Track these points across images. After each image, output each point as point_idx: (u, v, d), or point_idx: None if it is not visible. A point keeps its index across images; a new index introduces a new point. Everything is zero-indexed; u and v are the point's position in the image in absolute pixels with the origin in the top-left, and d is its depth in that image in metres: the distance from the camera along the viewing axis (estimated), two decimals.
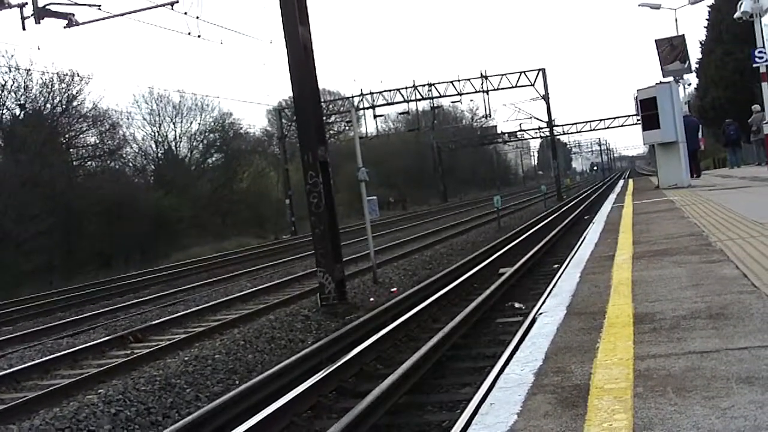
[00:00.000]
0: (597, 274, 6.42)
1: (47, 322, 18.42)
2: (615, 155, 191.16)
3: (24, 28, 17.18)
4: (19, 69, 41.81)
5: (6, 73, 41.73)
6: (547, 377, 3.44)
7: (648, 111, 19.45)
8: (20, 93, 42.66)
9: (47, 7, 17.40)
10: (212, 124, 58.66)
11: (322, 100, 20.64)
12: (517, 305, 12.58)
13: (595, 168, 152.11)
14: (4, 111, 42.71)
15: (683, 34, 31.10)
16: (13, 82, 42.22)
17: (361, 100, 53.83)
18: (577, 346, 3.94)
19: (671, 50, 28.72)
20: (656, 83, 20.90)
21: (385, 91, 54.07)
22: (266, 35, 77.83)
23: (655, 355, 3.56)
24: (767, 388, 2.86)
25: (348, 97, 57.22)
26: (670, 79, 25.42)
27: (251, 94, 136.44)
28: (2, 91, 41.98)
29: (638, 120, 22.13)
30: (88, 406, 9.11)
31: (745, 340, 3.61)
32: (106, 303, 21.44)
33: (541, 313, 5.21)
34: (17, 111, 43.06)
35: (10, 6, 16.79)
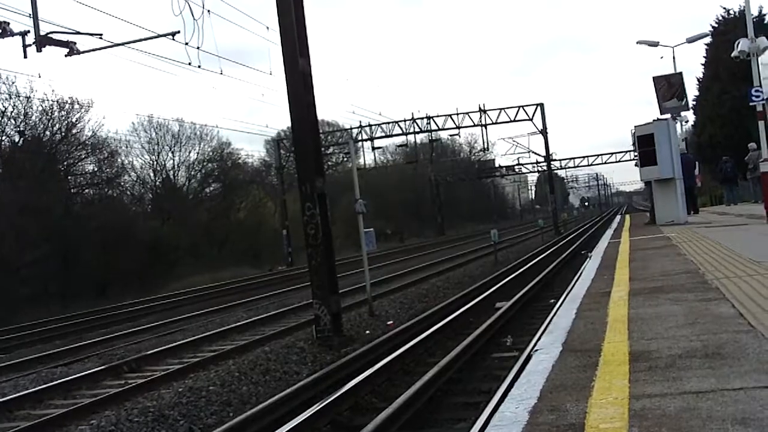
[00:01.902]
0: (593, 311, 6.42)
1: (43, 350, 18.34)
2: (612, 191, 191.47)
3: (26, 56, 17.27)
4: (19, 96, 41.94)
5: (6, 99, 41.85)
6: (542, 415, 3.43)
7: (645, 147, 19.54)
8: (20, 120, 42.77)
9: (49, 35, 17.49)
10: (210, 153, 58.75)
11: (321, 131, 20.71)
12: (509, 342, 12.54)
13: (587, 203, 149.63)
14: (4, 138, 42.80)
15: (681, 72, 31.24)
16: (13, 109, 42.36)
17: (360, 131, 54.03)
18: (572, 384, 3.93)
19: (669, 88, 28.82)
20: (653, 120, 21.00)
21: (383, 123, 54.31)
22: (266, 66, 78.21)
23: (650, 394, 3.56)
24: (763, 430, 2.86)
25: (346, 129, 57.41)
26: (668, 116, 25.51)
27: (250, 124, 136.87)
28: (2, 118, 42.09)
29: (635, 156, 22.20)
30: None
31: (741, 380, 3.61)
32: (103, 331, 21.35)
33: (536, 350, 5.20)
34: (17, 138, 43.15)
35: (12, 34, 16.87)
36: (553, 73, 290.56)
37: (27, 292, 33.45)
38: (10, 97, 41.82)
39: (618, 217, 46.44)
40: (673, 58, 49.66)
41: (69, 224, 39.49)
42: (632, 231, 20.20)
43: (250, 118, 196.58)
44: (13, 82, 41.26)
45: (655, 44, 37.41)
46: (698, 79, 54.88)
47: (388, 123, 54.31)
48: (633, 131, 20.55)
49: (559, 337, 5.37)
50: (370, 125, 54.06)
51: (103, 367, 14.02)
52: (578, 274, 11.04)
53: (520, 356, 9.98)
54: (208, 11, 18.23)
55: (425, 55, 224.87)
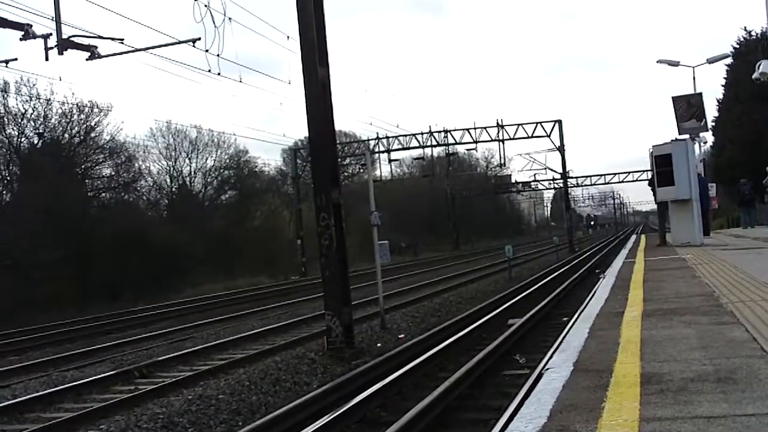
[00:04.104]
0: (606, 331, 6.39)
1: (55, 353, 18.39)
2: (629, 210, 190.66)
3: (47, 59, 17.36)
4: (39, 98, 42.22)
5: (27, 101, 42.14)
6: None
7: (663, 167, 19.44)
8: (39, 122, 43.04)
9: (71, 38, 17.59)
10: (227, 161, 58.89)
11: (338, 141, 20.75)
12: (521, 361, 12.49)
13: (593, 222, 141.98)
14: (23, 139, 43.09)
15: (701, 93, 31.20)
16: (33, 111, 42.63)
17: (377, 143, 54.11)
18: (582, 405, 3.91)
19: (688, 108, 28.76)
20: (672, 140, 20.91)
21: (400, 135, 54.42)
22: (285, 75, 78.43)
23: (661, 417, 3.53)
24: None
25: (364, 140, 57.49)
26: (686, 136, 25.42)
27: (267, 132, 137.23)
28: (22, 120, 42.40)
29: (648, 176, 22.09)
30: None
31: (753, 406, 3.58)
32: (115, 336, 21.41)
33: (547, 369, 5.17)
34: (36, 140, 43.42)
35: (35, 36, 16.97)
36: (570, 90, 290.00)
37: (41, 295, 33.55)
38: (31, 99, 42.17)
39: (633, 237, 46.24)
40: (693, 78, 49.32)
41: (85, 227, 39.66)
42: (647, 251, 20.10)
43: (267, 127, 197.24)
44: (33, 85, 41.58)
45: (675, 64, 37.36)
46: (718, 100, 54.73)
47: (406, 135, 54.42)
48: (650, 151, 20.45)
49: (571, 356, 5.35)
50: (387, 137, 54.20)
51: (114, 372, 14.05)
52: (592, 294, 11.00)
53: (531, 374, 9.94)
54: (229, 19, 18.30)
55: (443, 69, 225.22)
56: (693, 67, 37.69)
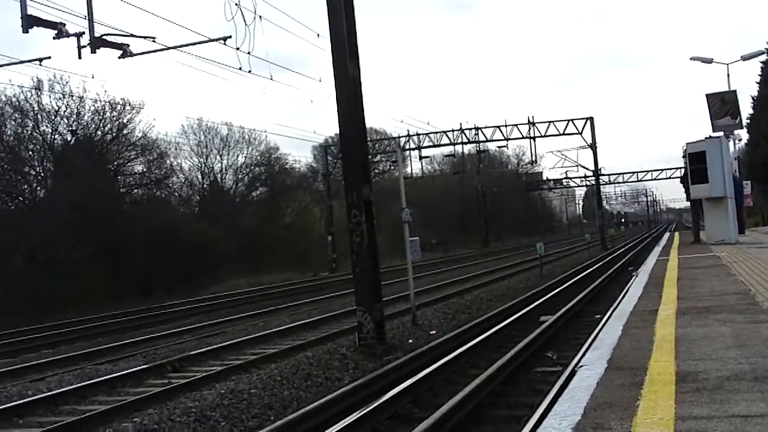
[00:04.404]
0: (640, 329, 6.35)
1: (87, 347, 18.58)
2: (661, 207, 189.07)
3: (80, 57, 17.48)
4: (72, 96, 42.61)
5: (60, 99, 42.55)
6: None
7: (696, 165, 19.27)
8: (72, 119, 43.42)
9: (103, 37, 17.73)
10: (258, 157, 59.12)
11: (369, 138, 20.77)
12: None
13: (623, 219, 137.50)
14: (57, 136, 43.52)
15: (735, 90, 30.86)
16: (66, 108, 43.01)
17: (408, 140, 54.13)
18: (617, 402, 3.89)
19: (722, 105, 28.45)
20: (706, 137, 20.70)
21: (431, 132, 54.35)
22: (315, 72, 78.60)
23: (696, 416, 3.51)
24: None
25: (394, 137, 57.53)
26: (720, 133, 25.15)
27: (298, 129, 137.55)
28: (55, 117, 42.81)
29: (680, 173, 21.88)
30: None
31: None
32: (147, 331, 21.59)
33: (581, 366, 5.15)
34: (69, 137, 43.84)
35: (68, 35, 17.12)
36: (601, 87, 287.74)
37: (74, 290, 33.89)
38: (64, 97, 42.54)
39: (667, 234, 45.86)
40: (728, 75, 48.60)
41: (117, 224, 39.98)
42: (681, 249, 19.94)
43: (298, 124, 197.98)
44: (67, 82, 41.93)
45: (709, 61, 36.93)
46: (753, 98, 54.03)
47: (436, 133, 54.36)
48: (684, 148, 20.28)
49: (605, 354, 5.32)
50: (418, 134, 54.19)
51: (146, 366, 14.17)
52: (625, 291, 10.93)
53: (563, 371, 9.90)
54: (260, 17, 18.38)
55: (474, 66, 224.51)
56: (727, 64, 37.22)
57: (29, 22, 16.15)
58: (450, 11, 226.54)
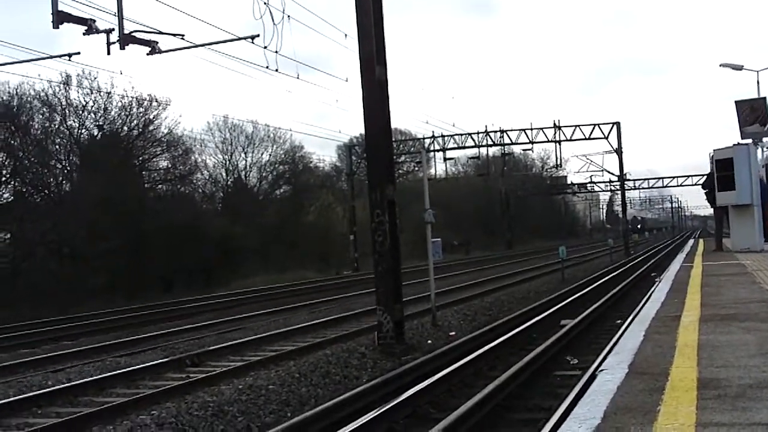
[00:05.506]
0: (662, 334, 6.28)
1: (107, 340, 18.69)
2: (687, 214, 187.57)
3: (109, 53, 17.59)
4: (100, 91, 42.90)
5: (88, 94, 42.86)
6: None
7: (723, 172, 19.09)
8: (99, 114, 43.71)
9: (132, 33, 17.83)
10: (283, 156, 59.20)
11: (393, 139, 20.73)
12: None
13: (639, 225, 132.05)
14: (83, 131, 43.84)
15: (765, 97, 30.47)
16: (94, 104, 43.31)
17: (432, 142, 53.99)
18: (637, 407, 3.84)
19: (751, 112, 28.17)
20: (734, 144, 20.51)
21: (456, 134, 54.18)
22: (342, 72, 78.78)
23: (718, 423, 3.45)
24: None
25: (419, 138, 57.38)
26: (749, 141, 24.91)
27: (323, 128, 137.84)
28: (83, 112, 43.13)
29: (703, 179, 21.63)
30: (141, 427, 9.19)
31: None
32: (166, 325, 21.66)
33: (601, 370, 5.10)
34: (95, 131, 44.15)
35: (98, 31, 17.22)
36: (627, 91, 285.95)
37: (96, 283, 34.15)
38: (92, 92, 42.82)
39: (691, 241, 45.53)
40: (757, 82, 48.06)
41: (141, 219, 40.22)
42: (705, 256, 19.77)
43: (322, 123, 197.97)
44: (95, 78, 42.21)
45: (739, 68, 36.57)
46: None
47: (461, 134, 54.18)
48: (711, 155, 20.09)
49: (626, 359, 5.26)
50: (442, 136, 54.03)
51: (165, 360, 14.22)
52: (647, 297, 10.84)
53: (583, 376, 9.82)
54: (288, 16, 18.37)
55: (500, 68, 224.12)
56: (757, 71, 36.84)
57: (60, 18, 16.28)
58: (471, 13, 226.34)
